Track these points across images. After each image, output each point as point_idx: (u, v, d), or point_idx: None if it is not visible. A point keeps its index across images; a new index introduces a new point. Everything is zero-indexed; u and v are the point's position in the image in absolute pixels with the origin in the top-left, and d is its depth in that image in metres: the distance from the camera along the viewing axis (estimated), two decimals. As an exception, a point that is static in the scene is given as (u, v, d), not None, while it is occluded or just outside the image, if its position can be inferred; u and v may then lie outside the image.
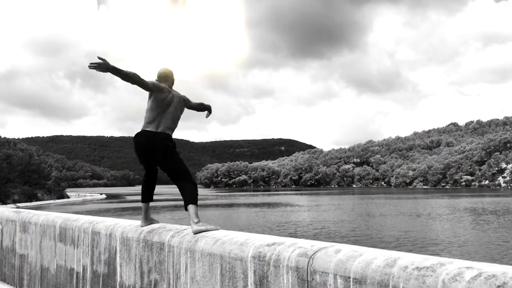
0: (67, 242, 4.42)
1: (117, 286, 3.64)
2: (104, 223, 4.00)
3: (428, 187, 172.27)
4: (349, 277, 1.98)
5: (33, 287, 5.00)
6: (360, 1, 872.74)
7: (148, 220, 3.62)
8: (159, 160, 3.51)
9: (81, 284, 4.14)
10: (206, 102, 3.98)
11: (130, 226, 3.69)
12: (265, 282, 2.40)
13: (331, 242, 2.35)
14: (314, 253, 2.21)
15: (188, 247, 2.96)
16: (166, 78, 3.73)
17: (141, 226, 3.57)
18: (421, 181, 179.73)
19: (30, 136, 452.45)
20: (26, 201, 71.52)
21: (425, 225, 33.39)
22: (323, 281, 2.09)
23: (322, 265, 2.12)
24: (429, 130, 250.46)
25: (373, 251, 2.09)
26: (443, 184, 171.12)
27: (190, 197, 3.36)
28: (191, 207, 3.31)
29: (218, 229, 3.16)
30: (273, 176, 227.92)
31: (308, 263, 2.19)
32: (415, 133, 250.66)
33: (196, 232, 3.08)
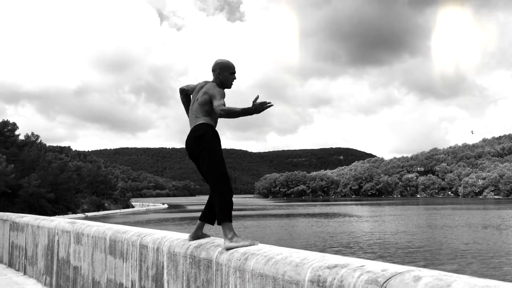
0: (116, 255, 4.26)
1: (165, 305, 3.37)
2: (152, 236, 3.77)
3: (500, 197, 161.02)
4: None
5: (86, 300, 4.89)
6: (421, 5, 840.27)
7: (197, 236, 3.32)
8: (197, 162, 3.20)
9: (130, 300, 3.93)
10: (262, 112, 3.48)
11: (177, 240, 3.42)
12: (325, 312, 1.97)
13: (407, 266, 1.89)
14: (387, 280, 1.75)
15: (238, 265, 2.61)
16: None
17: (189, 240, 3.29)
18: (492, 191, 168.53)
19: (98, 149, 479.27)
20: (94, 211, 75.18)
21: (495, 237, 31.07)
22: (400, 316, 1.64)
23: (398, 297, 1.67)
24: (500, 137, 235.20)
25: (465, 280, 1.58)
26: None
27: (220, 212, 2.94)
28: (223, 225, 2.92)
29: (255, 244, 2.77)
30: (332, 186, 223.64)
31: (379, 292, 1.75)
32: (484, 140, 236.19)
33: (228, 249, 2.78)
